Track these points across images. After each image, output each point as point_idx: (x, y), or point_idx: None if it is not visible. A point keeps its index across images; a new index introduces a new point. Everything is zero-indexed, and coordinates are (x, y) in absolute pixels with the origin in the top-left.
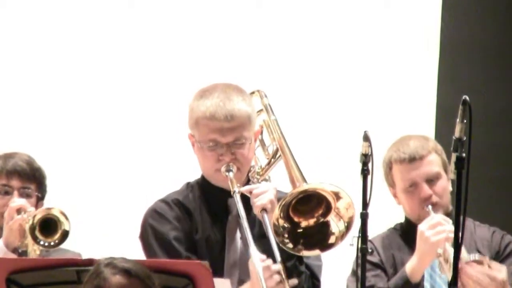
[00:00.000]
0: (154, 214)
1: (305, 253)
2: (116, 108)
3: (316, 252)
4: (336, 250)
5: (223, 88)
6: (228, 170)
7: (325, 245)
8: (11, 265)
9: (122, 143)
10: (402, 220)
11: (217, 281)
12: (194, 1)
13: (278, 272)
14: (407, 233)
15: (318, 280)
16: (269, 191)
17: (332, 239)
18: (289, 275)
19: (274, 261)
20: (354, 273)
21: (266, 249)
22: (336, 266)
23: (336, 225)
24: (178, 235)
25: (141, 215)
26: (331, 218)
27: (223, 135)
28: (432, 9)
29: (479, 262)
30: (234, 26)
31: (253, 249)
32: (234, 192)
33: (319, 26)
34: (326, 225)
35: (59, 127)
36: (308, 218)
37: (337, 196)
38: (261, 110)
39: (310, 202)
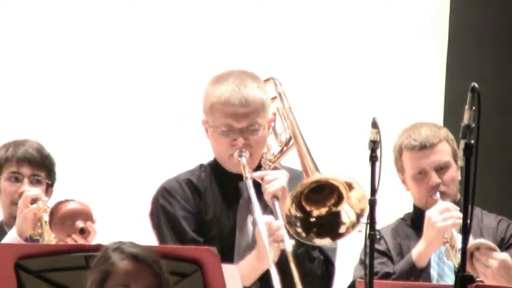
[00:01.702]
0: (164, 192)
1: (316, 241)
2: (124, 96)
3: (327, 240)
4: (345, 239)
5: (238, 74)
6: (241, 156)
7: (336, 234)
8: (20, 250)
9: (130, 130)
10: (410, 207)
11: (226, 267)
12: (194, 1)
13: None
14: (415, 220)
15: (332, 264)
16: (281, 178)
17: (343, 229)
18: (301, 261)
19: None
20: (362, 261)
21: None
22: (344, 254)
23: (347, 215)
24: (186, 214)
25: (149, 199)
26: (343, 208)
27: (237, 120)
28: None
29: (485, 247)
30: (236, 22)
31: (258, 214)
32: (246, 178)
33: (329, 17)
34: (338, 214)
35: (67, 117)
36: (320, 207)
37: (350, 187)
38: (275, 97)
39: (323, 191)
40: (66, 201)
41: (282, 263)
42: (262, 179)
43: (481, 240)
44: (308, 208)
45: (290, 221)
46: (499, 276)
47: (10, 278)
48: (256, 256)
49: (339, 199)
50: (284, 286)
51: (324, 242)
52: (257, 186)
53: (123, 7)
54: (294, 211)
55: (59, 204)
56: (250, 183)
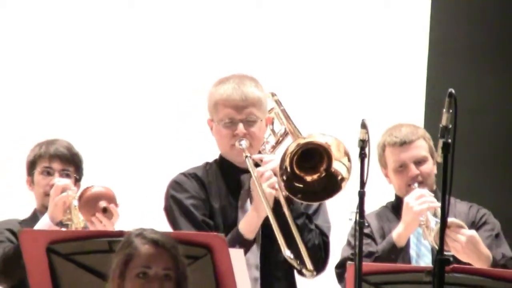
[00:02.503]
0: (174, 184)
1: (326, 198)
2: (127, 98)
3: (334, 195)
4: (334, 225)
5: (238, 76)
6: (241, 143)
7: (338, 188)
8: (51, 236)
9: (138, 133)
10: (392, 198)
11: (232, 250)
12: (194, 1)
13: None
14: (396, 207)
15: (327, 237)
16: (276, 159)
17: (343, 184)
18: (300, 232)
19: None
20: (349, 243)
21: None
22: (334, 237)
23: (340, 168)
24: (195, 202)
25: (161, 192)
26: (335, 164)
27: (238, 111)
28: (422, 8)
29: (455, 225)
30: (235, 23)
31: (252, 171)
32: (246, 157)
33: (317, 27)
34: (334, 173)
35: (89, 117)
36: (316, 172)
37: (329, 145)
38: (272, 108)
39: (313, 160)
40: (92, 186)
41: (277, 209)
42: (261, 160)
43: (452, 219)
44: (307, 178)
45: (292, 194)
46: (467, 249)
47: (42, 260)
48: (254, 207)
49: (329, 159)
50: (282, 233)
51: (331, 197)
52: (256, 166)
53: (123, 8)
54: (292, 183)
55: (86, 188)
56: (250, 162)
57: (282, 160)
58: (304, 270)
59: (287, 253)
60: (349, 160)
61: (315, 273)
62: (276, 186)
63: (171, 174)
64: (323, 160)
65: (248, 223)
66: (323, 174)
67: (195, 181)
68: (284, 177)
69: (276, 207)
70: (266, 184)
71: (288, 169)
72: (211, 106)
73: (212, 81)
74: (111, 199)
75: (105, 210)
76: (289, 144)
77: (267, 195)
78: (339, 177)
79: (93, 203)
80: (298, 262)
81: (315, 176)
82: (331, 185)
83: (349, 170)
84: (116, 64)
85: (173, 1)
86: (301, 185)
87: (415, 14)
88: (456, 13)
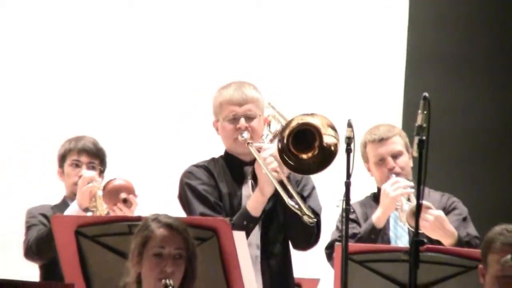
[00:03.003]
0: (188, 174)
1: (325, 165)
2: (132, 99)
3: (330, 162)
4: (324, 212)
5: (238, 82)
6: (243, 135)
7: (332, 154)
8: (79, 220)
9: (161, 130)
10: (374, 188)
11: (235, 233)
12: (194, 1)
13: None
14: (377, 196)
15: (319, 216)
16: (273, 146)
17: (334, 151)
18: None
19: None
20: (337, 227)
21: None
22: (323, 223)
23: (328, 140)
24: (207, 188)
25: (174, 182)
26: (325, 139)
27: (240, 107)
28: (400, 20)
29: (424, 206)
30: (234, 23)
31: (257, 156)
32: (249, 143)
33: (304, 37)
34: (327, 146)
35: (109, 117)
36: (312, 149)
37: (317, 126)
38: (269, 115)
39: (306, 140)
40: (114, 179)
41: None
42: (260, 148)
43: (421, 201)
44: (303, 156)
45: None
46: (435, 227)
47: (71, 242)
48: (259, 189)
49: (320, 136)
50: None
51: (328, 165)
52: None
53: (124, 8)
54: (289, 160)
55: (109, 181)
56: (253, 148)
57: (283, 139)
58: (305, 217)
59: (291, 202)
60: (333, 129)
61: (314, 220)
62: (278, 169)
63: (182, 167)
64: (315, 137)
65: (255, 202)
66: (317, 151)
67: (205, 171)
68: (286, 159)
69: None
70: (270, 167)
71: (286, 149)
72: (216, 107)
73: (217, 79)
74: (130, 190)
75: (125, 201)
76: (283, 128)
77: (270, 174)
78: (331, 147)
79: (115, 194)
80: (299, 209)
81: (311, 154)
82: (329, 154)
83: (336, 138)
84: (118, 65)
85: (173, 1)
86: (299, 166)
87: (394, 24)
88: (431, 22)
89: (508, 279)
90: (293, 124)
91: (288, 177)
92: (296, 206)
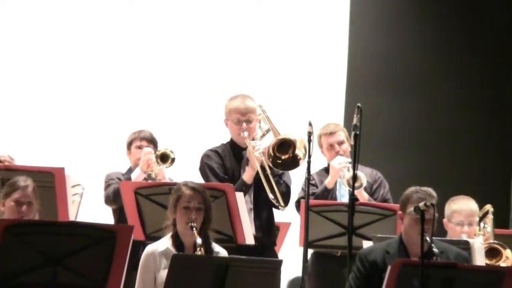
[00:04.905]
0: (205, 155)
1: (292, 169)
2: (134, 100)
3: (295, 167)
4: (294, 180)
5: (242, 95)
6: (244, 133)
7: (298, 163)
8: (137, 185)
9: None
10: (325, 164)
11: (237, 194)
12: (194, 1)
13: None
14: (328, 170)
15: (289, 187)
16: (263, 144)
17: (300, 162)
18: (276, 184)
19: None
20: (302, 189)
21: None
22: (293, 188)
23: (299, 153)
24: (218, 166)
25: (197, 160)
26: (297, 151)
27: (242, 115)
28: (341, 29)
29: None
30: (233, 25)
31: (248, 144)
32: (247, 140)
33: (261, 41)
34: (297, 155)
35: (158, 115)
36: (287, 154)
37: (295, 140)
38: (260, 114)
39: (286, 147)
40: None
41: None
42: (254, 146)
43: (356, 172)
44: (283, 157)
45: (275, 166)
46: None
47: (132, 199)
48: (249, 166)
49: (294, 147)
50: (267, 184)
51: (293, 168)
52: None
53: (124, 8)
54: (275, 161)
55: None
56: (249, 142)
57: (270, 147)
58: (279, 206)
59: (270, 195)
60: (305, 149)
61: (285, 207)
62: (261, 155)
63: (202, 149)
64: (291, 148)
65: (248, 174)
66: (291, 155)
67: (216, 154)
68: (270, 158)
69: (263, 169)
70: (256, 152)
71: (271, 153)
72: (227, 112)
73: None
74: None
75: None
76: (273, 140)
77: (256, 158)
78: (299, 158)
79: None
80: (276, 201)
81: (286, 156)
82: (295, 161)
83: (304, 155)
84: (122, 66)
85: (173, 1)
86: (279, 161)
87: (336, 34)
88: (371, 29)
89: (417, 220)
90: (280, 137)
91: (270, 167)
92: (273, 197)
